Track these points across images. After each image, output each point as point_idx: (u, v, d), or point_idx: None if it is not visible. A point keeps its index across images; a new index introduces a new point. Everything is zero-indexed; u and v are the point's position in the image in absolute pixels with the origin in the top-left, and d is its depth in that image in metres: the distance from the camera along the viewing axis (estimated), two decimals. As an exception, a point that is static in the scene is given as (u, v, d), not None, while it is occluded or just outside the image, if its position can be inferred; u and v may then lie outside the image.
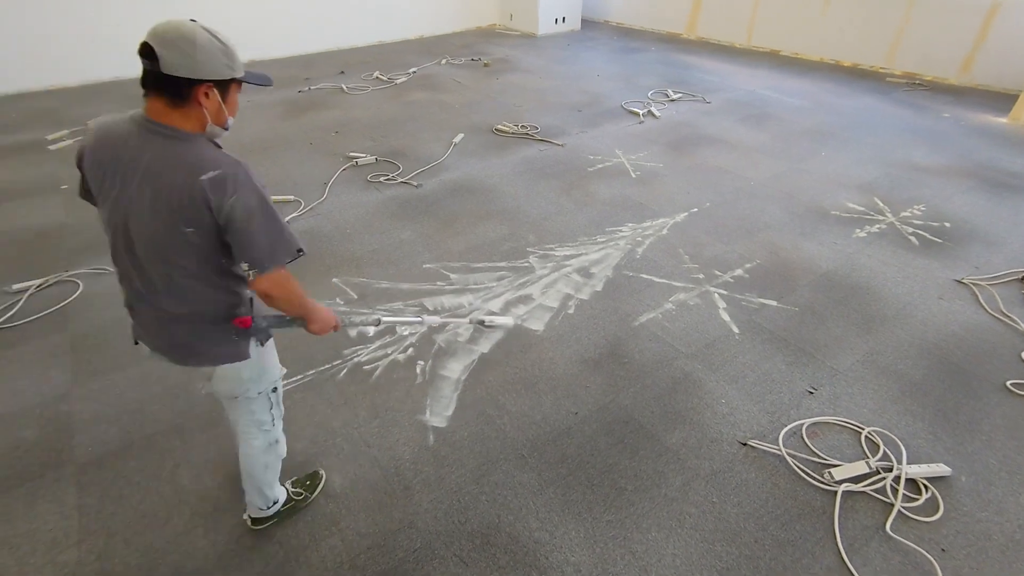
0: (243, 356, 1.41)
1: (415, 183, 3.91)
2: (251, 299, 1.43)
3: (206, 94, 1.17)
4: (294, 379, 2.29)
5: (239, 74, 1.22)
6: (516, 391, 2.25)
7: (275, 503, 1.73)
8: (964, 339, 2.50)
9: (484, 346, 2.48)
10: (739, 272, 2.97)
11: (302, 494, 1.82)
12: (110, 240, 1.26)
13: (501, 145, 4.56)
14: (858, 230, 3.34)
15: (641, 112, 5.21)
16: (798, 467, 1.91)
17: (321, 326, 1.47)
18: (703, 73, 6.54)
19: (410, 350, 2.45)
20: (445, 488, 1.87)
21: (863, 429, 2.05)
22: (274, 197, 3.63)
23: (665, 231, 3.34)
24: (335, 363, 2.38)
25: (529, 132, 4.76)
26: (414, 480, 1.90)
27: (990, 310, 2.66)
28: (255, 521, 1.75)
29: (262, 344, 1.46)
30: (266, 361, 1.50)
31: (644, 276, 2.93)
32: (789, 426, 2.07)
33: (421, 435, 2.06)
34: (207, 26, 1.17)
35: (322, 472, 1.91)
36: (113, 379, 2.30)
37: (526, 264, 3.03)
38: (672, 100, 5.60)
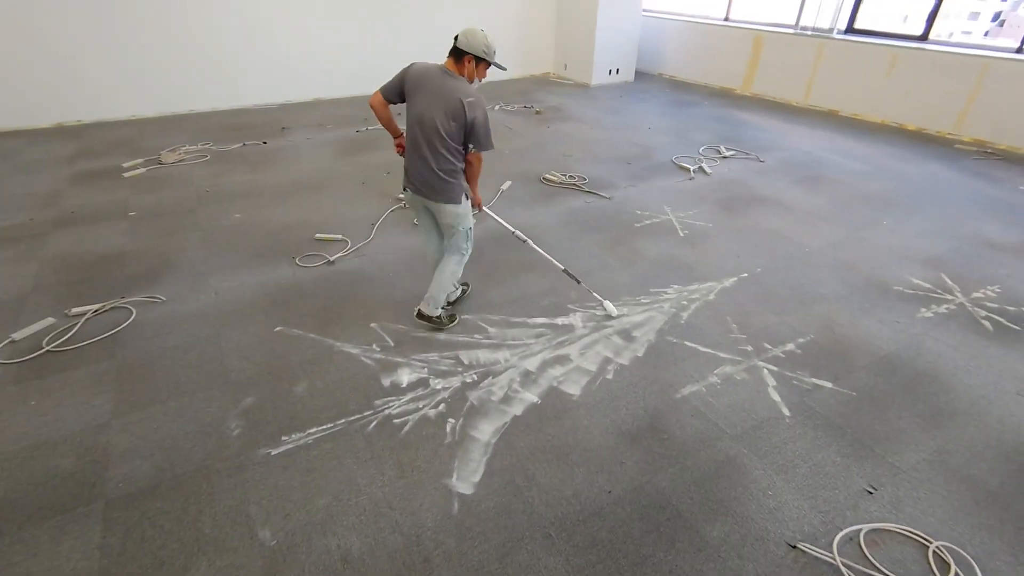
0: (458, 202, 2.57)
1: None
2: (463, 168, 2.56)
3: (469, 61, 2.40)
4: (324, 427, 2.27)
5: (489, 58, 2.42)
6: (548, 460, 2.16)
7: (438, 309, 2.82)
8: (1048, 445, 2.25)
9: (517, 408, 2.40)
10: (791, 347, 2.80)
11: (446, 322, 2.86)
12: (409, 125, 2.48)
13: (548, 194, 4.57)
14: (924, 309, 3.13)
15: (692, 168, 5.15)
16: (854, 581, 1.73)
17: (475, 201, 2.74)
18: (757, 131, 6.44)
19: (442, 406, 2.40)
20: (466, 565, 1.77)
21: (931, 543, 1.84)
22: (321, 235, 3.75)
23: (712, 296, 3.22)
24: (366, 414, 2.35)
25: (577, 183, 4.76)
26: (435, 552, 1.81)
27: (1078, 413, 2.40)
28: (421, 316, 2.82)
29: (467, 197, 2.64)
30: (466, 210, 2.66)
31: (688, 344, 2.81)
32: (845, 530, 1.89)
33: (446, 501, 1.99)
34: (485, 32, 2.40)
35: (457, 317, 2.94)
36: (152, 412, 2.33)
37: (566, 322, 2.96)
38: (724, 157, 5.52)
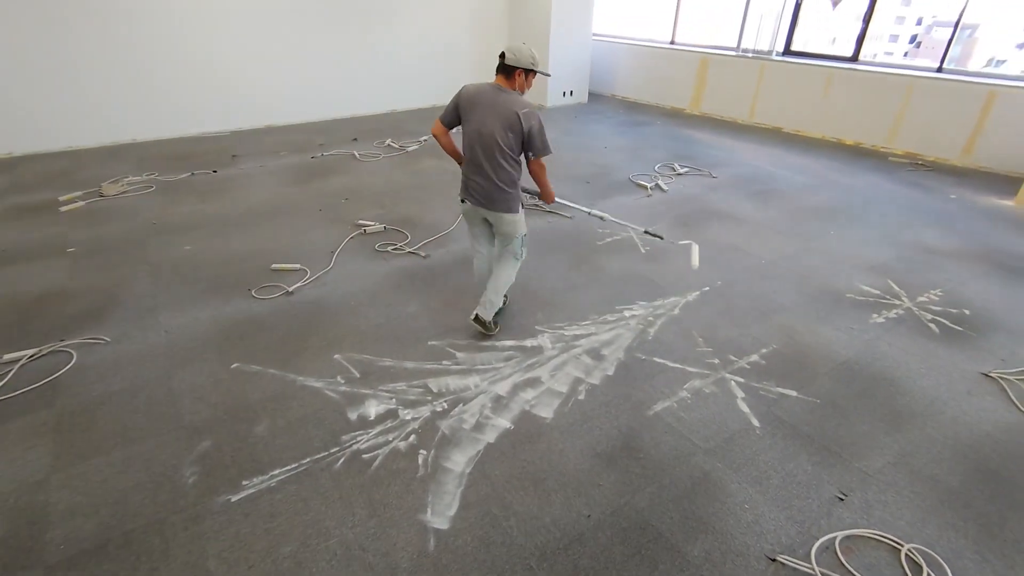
0: (515, 211, 2.76)
1: (423, 253, 3.88)
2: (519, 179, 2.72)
3: (520, 74, 2.57)
4: (288, 468, 2.15)
5: (536, 68, 2.59)
6: (524, 488, 2.10)
7: (495, 309, 2.95)
8: (1000, 440, 2.36)
9: (490, 435, 2.35)
10: (755, 358, 2.86)
11: (494, 323, 3.00)
12: (468, 142, 2.63)
13: (510, 216, 4.57)
14: (875, 315, 3.26)
15: (649, 185, 5.27)
16: (834, 590, 1.74)
17: (549, 197, 2.94)
18: (708, 148, 6.69)
19: (412, 437, 2.32)
20: (446, 606, 1.69)
21: (902, 546, 1.88)
22: (278, 265, 3.62)
23: (677, 311, 3.26)
24: (332, 451, 2.24)
25: (538, 204, 4.79)
26: (412, 595, 1.72)
27: (1023, 408, 2.53)
28: (478, 319, 2.90)
29: (523, 206, 2.83)
30: (522, 218, 2.82)
31: (657, 360, 2.83)
32: (821, 539, 1.90)
33: (421, 538, 1.90)
34: (530, 46, 2.58)
35: (507, 298, 3.18)
36: (96, 464, 2.16)
37: (535, 344, 2.94)
38: (679, 174, 5.69)
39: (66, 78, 5.84)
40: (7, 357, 2.70)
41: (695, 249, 3.48)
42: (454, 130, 2.72)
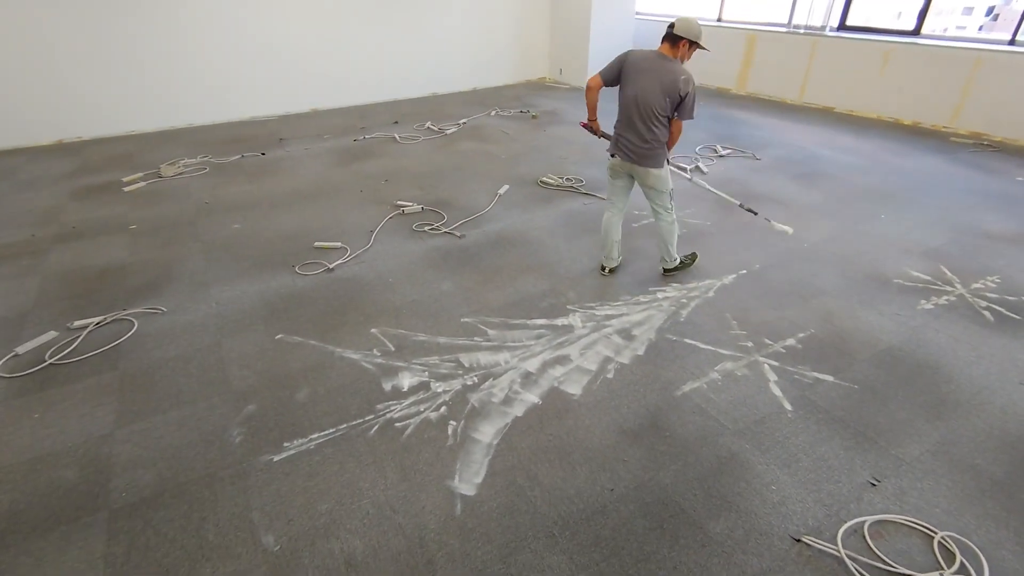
0: (661, 166, 3.02)
1: (459, 234, 3.95)
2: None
3: (684, 44, 2.79)
4: (326, 433, 2.27)
5: (700, 41, 2.80)
6: (549, 460, 2.16)
7: (675, 260, 3.32)
8: (1052, 433, 2.24)
9: (519, 409, 2.40)
10: (791, 342, 2.80)
11: (687, 262, 3.41)
12: (625, 102, 2.94)
13: (545, 198, 4.59)
14: (924, 301, 3.12)
15: (688, 168, 5.15)
16: (859, 572, 1.72)
17: (669, 146, 3.07)
18: (753, 128, 6.46)
19: (443, 409, 2.40)
20: (470, 566, 1.77)
21: (936, 533, 1.83)
22: (320, 243, 3.76)
23: (711, 293, 3.22)
24: (367, 418, 2.35)
25: (574, 185, 4.78)
26: (438, 554, 1.81)
27: (1081, 400, 2.39)
28: (665, 271, 3.37)
29: (668, 162, 3.08)
30: (668, 173, 3.08)
31: (688, 341, 2.81)
32: (849, 523, 1.88)
33: (448, 503, 1.99)
34: (697, 20, 2.77)
35: (698, 254, 3.51)
36: (154, 422, 2.34)
37: (565, 323, 2.97)
38: (720, 156, 5.54)
39: (129, 66, 6.18)
40: (77, 323, 2.94)
41: (787, 230, 3.52)
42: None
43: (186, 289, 3.32)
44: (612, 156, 3.13)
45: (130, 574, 1.75)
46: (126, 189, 4.81)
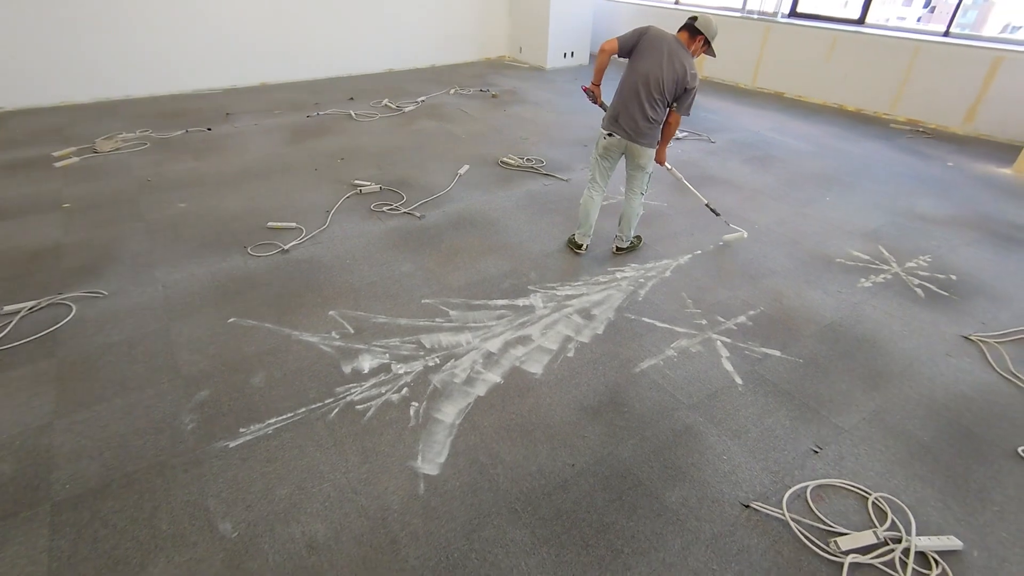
0: (653, 147, 3.09)
1: (418, 214, 3.89)
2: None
3: (699, 40, 2.86)
4: (284, 417, 2.23)
5: (712, 41, 2.89)
6: (512, 438, 2.19)
7: (630, 241, 3.43)
8: (974, 400, 2.43)
9: (481, 389, 2.42)
10: (742, 319, 2.92)
11: (636, 244, 3.53)
12: (633, 77, 2.91)
13: (506, 178, 4.56)
14: (863, 279, 3.31)
15: (646, 150, 5.23)
16: (802, 534, 1.84)
17: (663, 156, 3.24)
18: (708, 112, 6.60)
19: (404, 390, 2.39)
20: (433, 543, 1.79)
21: (870, 494, 1.97)
22: (274, 223, 3.63)
23: (668, 273, 3.30)
24: (327, 401, 2.32)
25: (534, 166, 4.78)
26: (401, 533, 1.82)
27: (999, 370, 2.60)
28: (618, 250, 3.45)
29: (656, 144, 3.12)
30: (653, 155, 3.15)
31: (646, 320, 2.89)
32: (793, 488, 2.00)
33: (411, 483, 1.99)
34: (714, 18, 2.86)
35: (642, 237, 3.62)
36: (97, 411, 2.23)
37: (527, 303, 2.99)
38: (677, 138, 5.64)
39: (58, 32, 5.71)
40: (7, 309, 2.75)
41: (742, 234, 3.66)
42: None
43: (129, 271, 3.15)
44: (609, 135, 3.10)
45: (78, 567, 1.68)
46: (57, 165, 4.49)
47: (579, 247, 3.42)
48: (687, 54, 2.85)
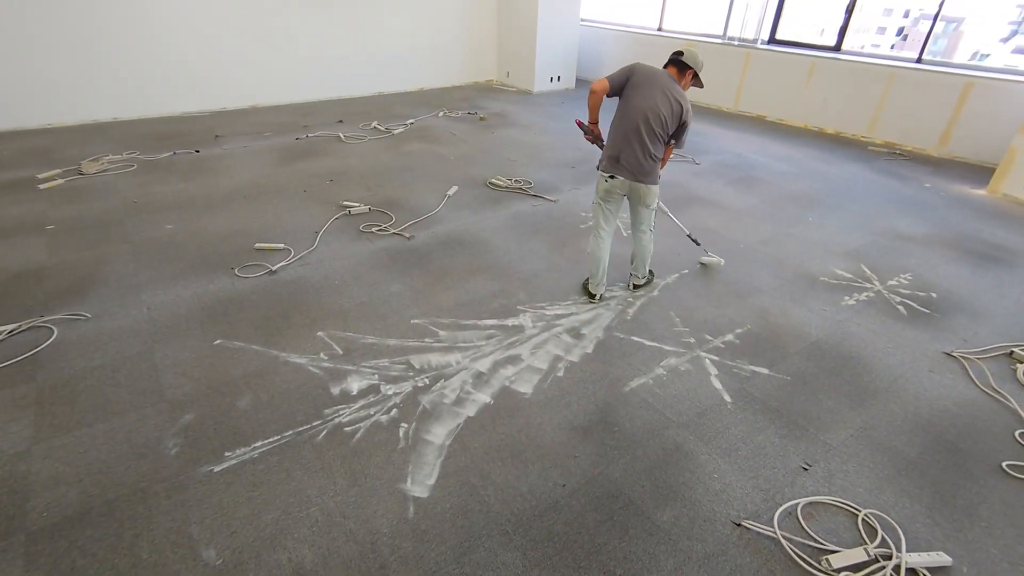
0: (657, 183, 3.00)
1: (407, 235, 3.90)
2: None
3: (689, 73, 2.87)
4: (270, 440, 2.19)
5: (699, 74, 2.90)
6: (502, 459, 2.17)
7: (645, 277, 3.35)
8: (957, 415, 2.47)
9: (471, 409, 2.40)
10: (730, 337, 2.95)
11: (651, 278, 3.44)
12: (630, 115, 2.82)
13: (495, 199, 4.61)
14: (847, 297, 3.36)
15: (632, 171, 5.31)
16: (794, 552, 1.83)
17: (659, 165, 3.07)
18: (692, 135, 6.68)
19: (394, 411, 2.37)
20: (424, 568, 1.76)
21: (860, 511, 1.98)
22: (262, 244, 3.62)
23: (656, 292, 3.33)
24: (315, 423, 2.29)
25: (523, 187, 4.83)
26: (391, 558, 1.78)
27: (981, 385, 2.64)
28: (636, 287, 3.35)
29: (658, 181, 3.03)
30: (657, 191, 3.05)
31: (635, 339, 2.90)
32: (784, 505, 2.00)
33: (401, 506, 1.96)
34: (698, 50, 2.91)
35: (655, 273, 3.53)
36: (78, 436, 2.18)
37: (516, 323, 2.99)
38: (663, 160, 5.73)
39: (45, 54, 5.71)
40: (-14, 332, 2.70)
41: (719, 261, 3.68)
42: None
43: (113, 294, 3.11)
44: (611, 178, 2.95)
45: (53, 599, 1.63)
46: (42, 187, 4.45)
47: (593, 297, 3.22)
48: (679, 89, 2.82)
